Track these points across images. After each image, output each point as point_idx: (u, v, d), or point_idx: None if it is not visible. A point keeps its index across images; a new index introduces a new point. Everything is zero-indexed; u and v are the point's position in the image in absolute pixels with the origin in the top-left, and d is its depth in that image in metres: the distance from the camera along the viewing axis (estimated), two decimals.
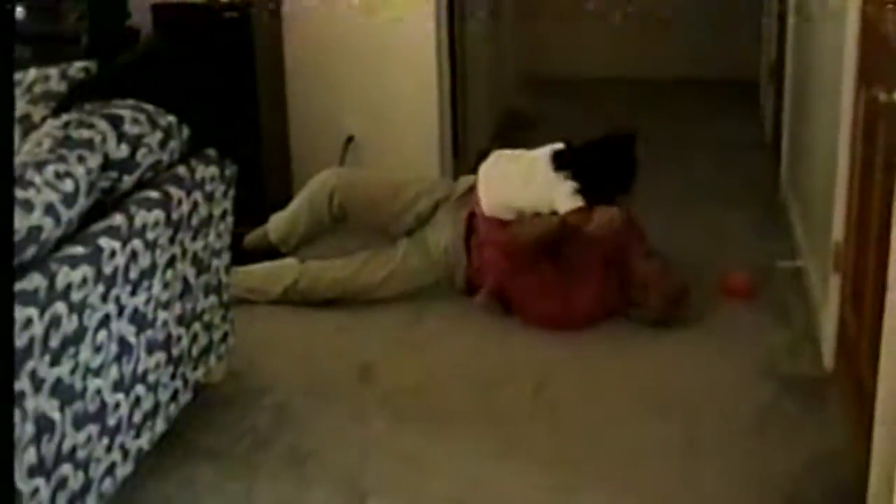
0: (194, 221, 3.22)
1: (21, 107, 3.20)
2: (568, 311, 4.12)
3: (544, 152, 4.22)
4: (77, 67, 3.47)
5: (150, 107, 3.09)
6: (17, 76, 3.28)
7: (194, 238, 3.23)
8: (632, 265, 4.19)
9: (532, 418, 3.51)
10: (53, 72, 3.41)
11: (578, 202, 4.09)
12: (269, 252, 4.58)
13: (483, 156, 4.44)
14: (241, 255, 4.40)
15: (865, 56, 3.32)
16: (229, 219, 3.50)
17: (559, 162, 4.16)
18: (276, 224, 4.65)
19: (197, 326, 3.32)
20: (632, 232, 4.31)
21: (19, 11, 4.60)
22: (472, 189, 4.44)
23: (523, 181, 4.21)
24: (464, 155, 5.74)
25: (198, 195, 3.23)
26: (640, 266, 4.18)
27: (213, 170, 3.33)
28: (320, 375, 3.78)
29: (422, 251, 4.38)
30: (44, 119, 3.00)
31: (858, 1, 3.38)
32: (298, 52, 5.13)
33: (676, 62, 8.00)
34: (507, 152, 4.38)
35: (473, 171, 4.48)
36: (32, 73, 3.35)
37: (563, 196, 4.12)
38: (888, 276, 2.66)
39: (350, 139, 5.07)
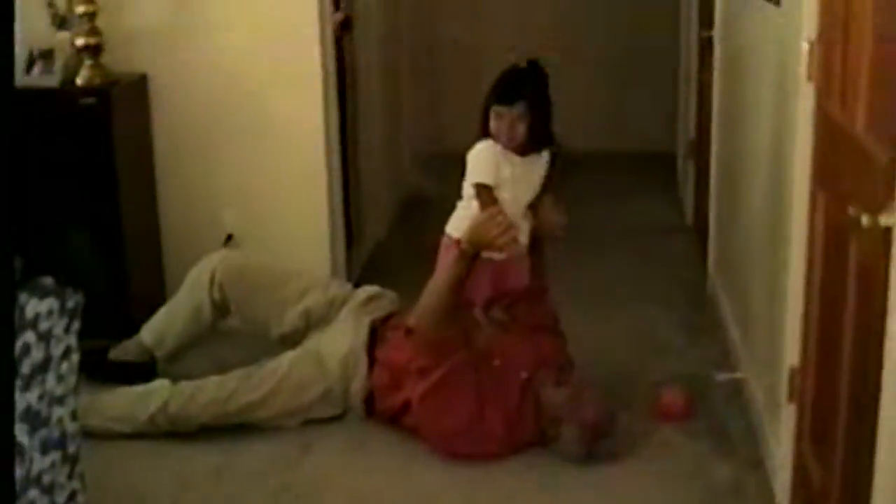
0: (25, 369, 2.65)
1: None
2: (478, 431, 3.59)
3: None
4: None
5: None
6: None
7: (26, 388, 2.67)
8: (542, 395, 3.64)
9: None
10: None
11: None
12: (137, 369, 4.04)
13: None
14: (104, 373, 3.99)
15: (824, 159, 2.85)
16: (74, 357, 2.92)
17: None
18: (152, 322, 4.17)
19: (33, 493, 2.74)
20: (541, 351, 3.78)
21: None
22: (373, 298, 4.05)
23: None
24: (358, 246, 5.21)
25: (30, 336, 2.67)
26: (550, 396, 3.62)
27: (50, 302, 2.77)
28: None
29: (312, 360, 3.86)
30: None
31: (812, 91, 2.91)
32: (169, 142, 4.56)
33: (584, 134, 7.59)
34: None
35: None
36: None
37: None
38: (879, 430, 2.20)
39: (229, 237, 4.52)
